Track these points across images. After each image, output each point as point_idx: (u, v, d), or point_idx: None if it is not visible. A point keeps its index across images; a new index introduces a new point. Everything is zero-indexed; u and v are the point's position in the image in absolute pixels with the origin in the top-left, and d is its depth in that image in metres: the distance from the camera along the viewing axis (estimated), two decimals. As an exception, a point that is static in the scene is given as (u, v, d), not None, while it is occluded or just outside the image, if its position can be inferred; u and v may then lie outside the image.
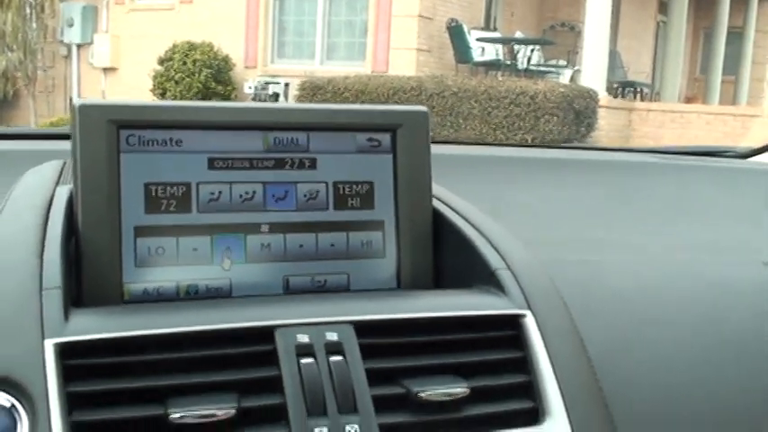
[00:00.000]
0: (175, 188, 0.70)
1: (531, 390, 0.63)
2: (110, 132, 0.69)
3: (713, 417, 0.72)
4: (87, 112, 0.69)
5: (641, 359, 0.73)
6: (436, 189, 0.79)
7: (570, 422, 0.61)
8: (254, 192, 0.73)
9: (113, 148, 0.69)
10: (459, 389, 0.61)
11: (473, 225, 0.75)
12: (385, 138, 0.77)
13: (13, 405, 0.52)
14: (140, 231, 0.69)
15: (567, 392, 0.62)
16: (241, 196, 0.72)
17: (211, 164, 0.72)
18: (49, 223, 0.67)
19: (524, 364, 0.64)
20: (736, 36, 14.41)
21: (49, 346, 0.55)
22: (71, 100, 0.72)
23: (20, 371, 0.53)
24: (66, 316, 0.58)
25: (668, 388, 0.72)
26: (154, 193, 0.70)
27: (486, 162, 1.21)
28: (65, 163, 0.88)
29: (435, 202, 0.79)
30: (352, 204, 0.75)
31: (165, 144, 0.71)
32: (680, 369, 0.74)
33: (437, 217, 0.78)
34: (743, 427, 0.73)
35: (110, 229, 0.68)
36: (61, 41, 12.01)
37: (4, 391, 0.52)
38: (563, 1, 12.44)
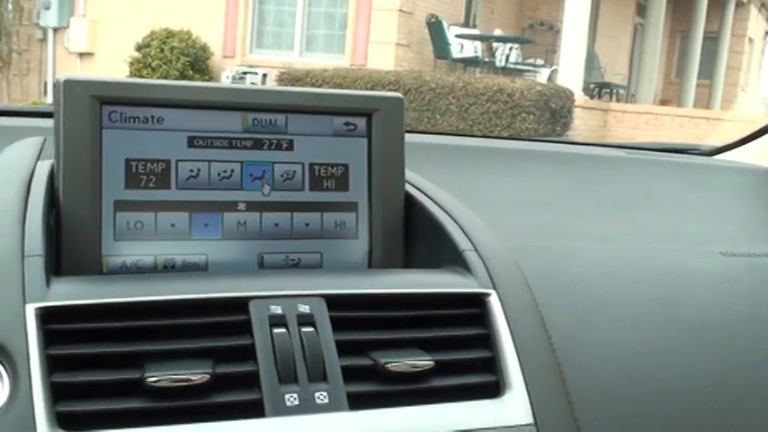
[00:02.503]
0: (155, 165, 0.72)
1: (493, 365, 0.66)
2: (93, 108, 0.71)
3: (669, 394, 0.75)
4: (71, 88, 0.70)
5: (600, 340, 0.76)
6: (409, 174, 0.82)
7: (529, 395, 0.64)
8: (233, 171, 0.75)
9: (96, 123, 0.71)
10: (424, 361, 0.63)
11: (443, 209, 0.78)
12: (361, 122, 0.79)
13: None
14: (120, 206, 0.71)
15: (527, 367, 0.65)
16: (219, 175, 0.74)
17: (191, 142, 0.74)
18: (31, 196, 0.69)
19: (487, 340, 0.67)
20: (711, 41, 14.59)
21: (31, 310, 0.57)
22: (52, 80, 0.73)
23: (2, 333, 0.55)
24: (48, 282, 0.59)
25: (625, 367, 0.75)
26: (134, 169, 0.72)
27: (459, 151, 1.24)
28: (45, 139, 0.89)
29: (408, 187, 0.81)
30: (327, 186, 0.77)
31: (147, 121, 0.73)
32: (637, 350, 0.77)
33: (409, 200, 0.80)
34: (697, 409, 0.77)
35: (90, 203, 0.70)
36: (37, 24, 11.86)
37: None
38: (542, 0, 12.52)
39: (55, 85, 0.72)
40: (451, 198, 0.81)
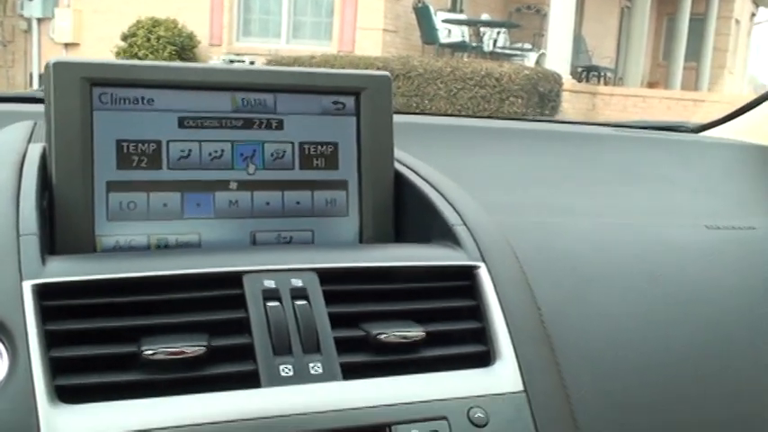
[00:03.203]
0: (146, 145, 0.73)
1: (483, 335, 0.68)
2: (83, 90, 0.71)
3: (656, 365, 0.77)
4: (61, 70, 0.71)
5: (588, 312, 0.78)
6: (398, 153, 0.83)
7: (519, 364, 0.66)
8: (223, 150, 0.76)
9: (86, 105, 0.71)
10: (415, 332, 0.64)
11: (432, 185, 0.79)
12: (349, 101, 0.80)
13: None
14: (112, 186, 0.72)
15: (517, 337, 0.67)
16: (210, 154, 0.75)
17: (181, 123, 0.74)
18: (23, 178, 0.69)
19: (477, 311, 0.68)
20: (698, 23, 14.62)
21: (28, 287, 0.58)
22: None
23: (0, 310, 0.56)
24: (44, 260, 0.60)
25: (613, 339, 0.77)
26: (125, 150, 0.72)
27: (448, 130, 1.25)
28: (35, 123, 0.90)
29: (397, 165, 0.82)
30: (317, 164, 0.78)
31: (137, 102, 0.73)
32: (624, 322, 0.78)
33: (398, 178, 0.81)
34: (683, 380, 0.79)
35: (82, 184, 0.71)
36: (21, 15, 11.76)
37: None
38: (529, -16, 12.51)
39: (45, 68, 0.72)
40: (440, 175, 0.82)
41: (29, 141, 0.81)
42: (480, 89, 8.30)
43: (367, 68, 7.08)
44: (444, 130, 1.24)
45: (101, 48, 10.49)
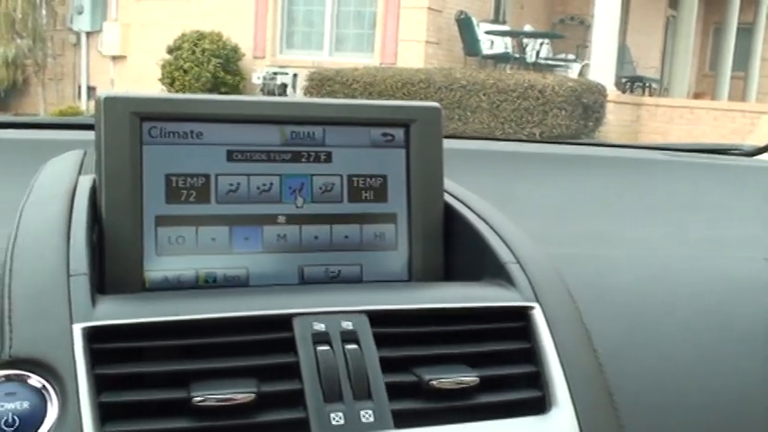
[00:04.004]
0: (195, 179, 0.73)
1: (538, 379, 0.66)
2: (133, 124, 0.71)
3: (717, 408, 0.74)
4: (112, 105, 0.71)
5: (646, 351, 0.75)
6: (448, 184, 0.81)
7: (575, 411, 0.63)
8: (272, 184, 0.75)
9: (136, 139, 0.71)
10: (468, 377, 0.63)
11: (483, 219, 0.77)
12: (399, 132, 0.79)
13: (44, 386, 0.55)
14: (161, 221, 0.72)
15: (573, 382, 0.65)
16: (258, 188, 0.74)
17: (230, 156, 0.74)
18: (74, 211, 0.69)
19: (532, 354, 0.66)
20: (746, 32, 14.34)
21: (78, 330, 0.57)
22: (92, 91, 0.74)
23: (51, 354, 0.55)
24: (93, 302, 0.60)
25: (672, 379, 0.74)
26: (174, 184, 0.72)
27: (496, 157, 1.23)
28: (85, 153, 0.90)
29: (447, 197, 0.81)
30: (365, 197, 0.77)
31: (186, 136, 0.73)
32: (684, 361, 0.76)
33: (448, 211, 0.80)
34: (747, 419, 0.76)
35: (132, 219, 0.70)
36: (70, 29, 12.02)
37: (35, 373, 0.55)
38: (573, -5, 12.42)
39: (96, 102, 0.72)
40: (492, 208, 0.80)
41: (79, 172, 0.81)
42: (523, 101, 8.24)
43: (410, 80, 7.05)
44: (489, 156, 1.22)
45: (147, 60, 10.67)
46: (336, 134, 0.77)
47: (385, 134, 0.79)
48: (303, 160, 0.76)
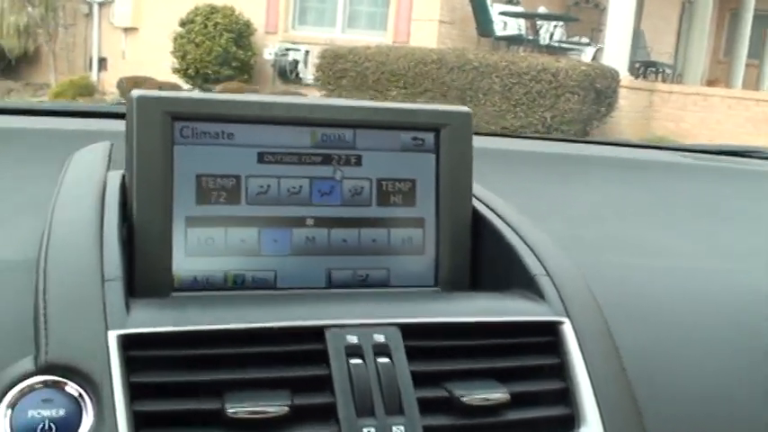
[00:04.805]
0: (226, 180, 0.72)
1: (567, 396, 0.65)
2: (165, 124, 0.71)
3: (747, 427, 0.74)
4: (144, 104, 0.70)
5: (674, 367, 0.75)
6: (476, 188, 0.81)
7: (605, 430, 0.63)
8: (301, 186, 0.75)
9: (168, 139, 0.71)
10: (499, 394, 0.63)
11: (512, 228, 0.77)
12: (429, 137, 0.79)
13: (80, 394, 0.55)
14: (191, 222, 0.72)
15: (603, 400, 0.64)
16: (288, 190, 0.74)
17: (261, 158, 0.74)
18: (106, 211, 0.69)
19: (561, 370, 0.66)
20: (762, 19, 14.20)
21: (113, 337, 0.57)
22: (127, 92, 0.74)
23: (86, 361, 0.55)
24: (128, 307, 0.60)
25: (701, 397, 0.74)
26: (205, 185, 0.72)
27: (520, 157, 1.22)
28: (112, 145, 0.90)
29: (475, 202, 0.80)
30: (394, 201, 0.77)
31: (218, 137, 0.73)
32: (714, 378, 0.75)
33: (476, 217, 0.79)
34: None
35: (162, 219, 0.70)
36: (83, -1, 11.99)
37: (71, 380, 0.55)
38: (589, -23, 12.30)
39: (127, 100, 0.72)
40: (520, 215, 0.79)
41: (107, 167, 0.81)
42: (536, 84, 8.20)
43: (422, 60, 6.97)
44: (513, 156, 1.21)
45: (159, 33, 10.62)
46: (367, 137, 0.77)
47: (415, 138, 0.78)
48: (333, 163, 0.76)
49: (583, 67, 8.35)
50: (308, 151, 0.75)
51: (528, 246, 0.75)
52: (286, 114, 0.74)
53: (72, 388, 0.55)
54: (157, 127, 0.71)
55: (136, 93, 0.71)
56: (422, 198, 0.78)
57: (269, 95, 0.78)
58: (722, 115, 9.40)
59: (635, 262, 0.85)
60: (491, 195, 0.82)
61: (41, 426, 0.53)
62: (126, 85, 10.35)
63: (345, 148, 0.76)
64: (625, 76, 9.26)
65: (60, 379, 0.55)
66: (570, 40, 11.17)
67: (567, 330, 0.68)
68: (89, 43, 12.11)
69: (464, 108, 0.81)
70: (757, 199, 1.16)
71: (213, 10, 10.32)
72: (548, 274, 0.72)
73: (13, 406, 0.54)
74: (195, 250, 0.72)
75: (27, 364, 0.56)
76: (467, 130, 0.79)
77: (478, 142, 0.82)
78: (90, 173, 0.78)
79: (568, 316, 0.69)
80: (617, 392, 0.66)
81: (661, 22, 13.70)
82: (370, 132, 0.77)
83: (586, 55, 10.59)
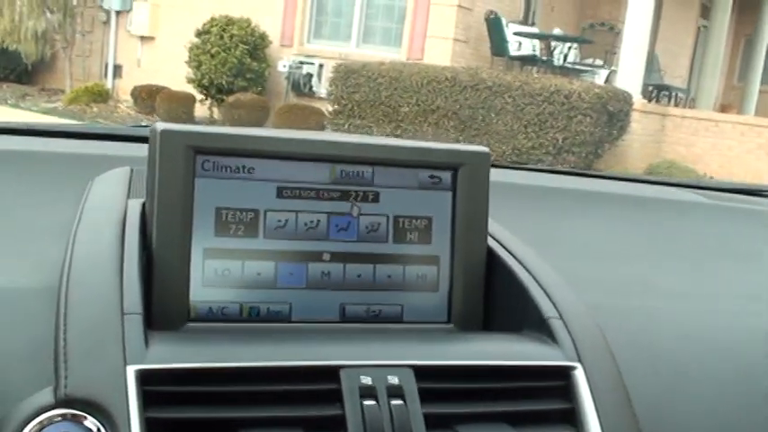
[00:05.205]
0: (245, 214, 0.74)
1: None
2: (187, 157, 0.72)
3: None
4: (168, 138, 0.72)
5: (684, 412, 0.75)
6: (491, 226, 0.82)
7: None
8: (319, 221, 0.76)
9: (189, 172, 0.72)
10: None
11: (527, 268, 0.77)
12: (446, 175, 0.80)
13: (98, 429, 0.56)
14: (209, 253, 0.73)
15: None
16: (306, 225, 0.75)
17: (280, 192, 0.75)
18: (126, 242, 0.70)
19: (572, 415, 0.67)
20: (777, 46, 14.17)
21: (131, 372, 0.58)
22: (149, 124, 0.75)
23: (105, 395, 0.56)
24: (146, 342, 0.61)
25: None
26: (224, 218, 0.73)
27: (532, 192, 1.23)
28: (132, 171, 0.91)
29: (490, 241, 0.81)
30: (410, 238, 0.78)
31: (238, 171, 0.74)
32: (724, 424, 0.76)
33: (491, 255, 0.80)
34: None
35: (181, 250, 0.72)
36: (101, 7, 12.08)
37: (90, 414, 0.56)
38: (604, 0, 12.33)
39: (151, 133, 0.73)
40: (535, 255, 0.80)
41: (128, 195, 0.82)
42: (548, 105, 8.20)
43: (435, 78, 6.96)
44: (525, 190, 1.22)
45: (175, 42, 10.69)
46: (385, 175, 0.78)
47: (432, 176, 0.79)
48: (351, 199, 0.77)
49: (596, 90, 8.35)
50: (327, 187, 0.76)
51: (541, 287, 0.75)
52: (306, 150, 0.76)
53: (91, 422, 0.55)
54: (180, 160, 0.72)
55: (160, 126, 0.72)
56: (437, 235, 0.79)
57: (289, 131, 0.79)
58: (735, 141, 9.38)
59: (646, 305, 0.85)
60: (506, 233, 0.83)
61: None
62: (140, 93, 10.45)
63: (363, 185, 0.77)
64: (638, 100, 9.26)
65: (79, 413, 0.55)
66: (584, 61, 11.18)
67: (579, 375, 0.68)
68: (105, 51, 12.20)
69: (482, 148, 0.81)
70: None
71: (230, 21, 10.37)
72: (561, 318, 0.72)
73: None
74: (212, 281, 0.73)
75: (47, 395, 0.57)
76: (484, 170, 0.80)
77: (494, 176, 0.82)
78: (110, 201, 0.79)
79: (580, 361, 0.69)
80: None
81: (675, 46, 13.71)
82: (388, 170, 0.78)
83: (600, 77, 10.60)
